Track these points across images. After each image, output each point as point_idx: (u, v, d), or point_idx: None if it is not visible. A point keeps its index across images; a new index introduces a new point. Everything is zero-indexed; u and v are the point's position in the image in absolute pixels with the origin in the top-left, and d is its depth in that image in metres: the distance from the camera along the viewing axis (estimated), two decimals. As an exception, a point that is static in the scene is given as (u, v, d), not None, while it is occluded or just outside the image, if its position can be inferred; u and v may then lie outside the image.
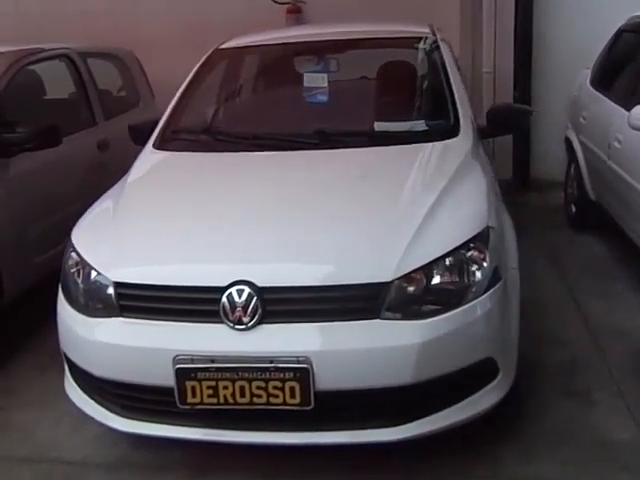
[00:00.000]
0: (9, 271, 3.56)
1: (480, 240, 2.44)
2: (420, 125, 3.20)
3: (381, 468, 2.61)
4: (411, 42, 3.71)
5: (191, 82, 3.65)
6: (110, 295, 2.41)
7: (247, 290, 2.26)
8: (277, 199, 2.68)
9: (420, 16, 5.88)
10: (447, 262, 2.36)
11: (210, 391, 2.27)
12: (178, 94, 3.58)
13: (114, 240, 2.56)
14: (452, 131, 3.12)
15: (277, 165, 3.00)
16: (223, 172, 3.00)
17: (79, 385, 2.64)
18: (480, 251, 2.43)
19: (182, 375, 2.27)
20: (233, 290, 2.26)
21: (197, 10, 6.43)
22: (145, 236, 2.57)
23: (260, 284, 2.27)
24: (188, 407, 2.31)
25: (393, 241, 2.37)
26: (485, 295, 2.38)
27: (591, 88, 4.93)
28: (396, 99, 3.49)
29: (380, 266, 2.29)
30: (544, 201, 5.91)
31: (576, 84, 5.28)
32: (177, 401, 2.30)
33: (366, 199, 2.66)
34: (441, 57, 3.49)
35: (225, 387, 2.26)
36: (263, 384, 2.24)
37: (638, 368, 3.25)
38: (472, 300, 2.35)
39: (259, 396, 2.25)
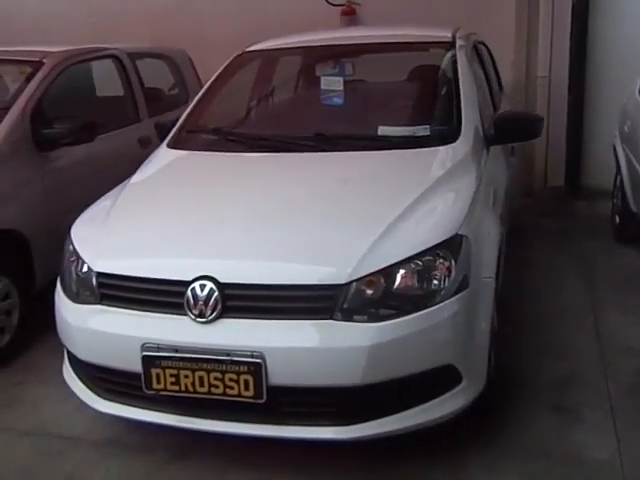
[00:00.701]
0: (41, 260, 3.82)
1: (447, 247, 2.46)
2: (422, 130, 3.21)
3: (344, 468, 2.67)
4: (426, 47, 3.72)
5: (212, 84, 3.80)
6: (93, 284, 2.59)
7: (209, 285, 2.37)
8: (258, 199, 2.78)
9: (475, 20, 5.89)
10: (408, 267, 2.39)
11: (173, 379, 2.40)
12: (198, 95, 3.74)
13: (103, 234, 2.74)
14: (452, 137, 3.11)
15: (271, 166, 3.10)
16: (220, 172, 3.13)
17: (71, 367, 2.83)
18: (445, 258, 2.44)
19: (148, 362, 2.42)
20: (197, 284, 2.39)
21: (256, 11, 6.59)
22: (129, 231, 2.74)
23: (222, 280, 2.38)
24: (153, 392, 2.45)
25: (355, 243, 2.43)
26: (445, 302, 2.40)
27: (638, 97, 4.75)
28: (403, 104, 3.51)
29: (336, 268, 2.36)
30: (592, 210, 5.75)
31: (627, 91, 5.10)
32: (143, 386, 2.44)
33: (342, 202, 2.72)
34: (454, 62, 3.48)
35: (186, 376, 2.39)
36: (220, 375, 2.35)
37: (638, 386, 3.15)
38: (431, 307, 2.38)
39: (216, 387, 2.36)
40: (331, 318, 2.32)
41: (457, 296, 2.43)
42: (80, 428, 3.04)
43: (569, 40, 5.91)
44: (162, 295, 2.46)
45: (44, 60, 4.24)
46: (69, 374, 2.83)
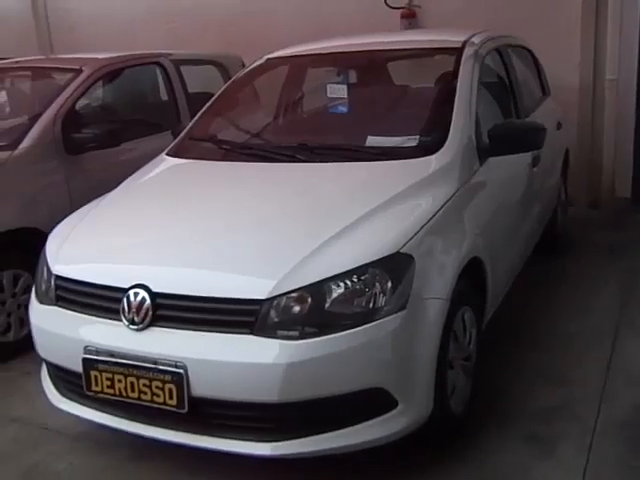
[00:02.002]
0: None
1: (383, 266, 2.37)
2: (410, 141, 3.12)
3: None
4: (433, 53, 3.59)
5: (224, 90, 3.86)
6: (52, 286, 2.72)
7: (142, 293, 2.43)
8: (213, 210, 2.81)
9: (538, 21, 5.66)
10: (337, 284, 2.33)
11: (108, 382, 2.47)
12: (209, 102, 3.81)
13: (67, 239, 2.86)
14: (434, 149, 3.00)
15: (244, 177, 3.09)
16: (196, 182, 3.16)
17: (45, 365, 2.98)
18: (380, 277, 2.36)
19: (88, 364, 2.50)
20: (132, 292, 2.44)
21: (317, 14, 6.62)
22: (89, 237, 2.85)
23: (154, 289, 2.42)
24: (92, 394, 2.53)
25: (284, 259, 2.39)
26: (375, 323, 2.31)
27: None
28: (398, 113, 3.42)
29: (259, 283, 2.34)
30: (655, 224, 5.35)
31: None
32: (84, 387, 2.53)
33: (289, 216, 2.68)
34: (456, 71, 3.33)
35: (119, 380, 2.45)
36: (148, 382, 2.39)
37: (629, 423, 2.90)
38: (357, 327, 2.30)
39: (145, 393, 2.41)
40: (251, 333, 2.30)
41: (389, 317, 2.34)
42: (62, 421, 3.16)
43: (638, 40, 5.51)
44: (104, 300, 2.54)
45: (83, 68, 4.47)
46: (43, 372, 2.98)
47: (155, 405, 2.41)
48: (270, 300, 2.30)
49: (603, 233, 5.37)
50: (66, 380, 2.72)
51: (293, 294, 2.31)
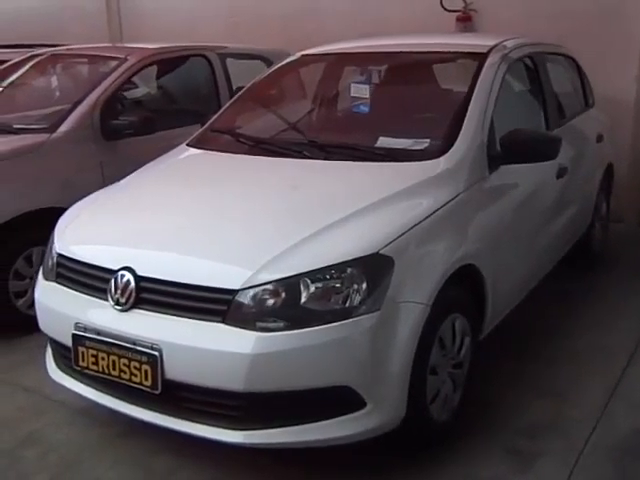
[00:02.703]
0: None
1: (360, 265, 2.38)
2: (420, 144, 3.10)
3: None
4: (455, 57, 3.56)
5: (255, 84, 3.93)
6: (54, 263, 2.85)
7: (128, 276, 2.52)
8: (208, 200, 2.87)
9: (597, 34, 5.51)
10: (310, 280, 2.35)
11: (93, 359, 2.58)
12: (234, 97, 3.88)
13: (74, 219, 2.99)
14: (440, 153, 2.98)
15: (249, 170, 3.14)
16: (208, 171, 3.24)
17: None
18: (356, 276, 2.37)
19: (76, 340, 2.61)
20: (119, 274, 2.54)
21: (374, 14, 6.63)
22: (93, 218, 2.97)
23: (139, 272, 2.51)
24: (79, 369, 2.65)
25: (263, 251, 2.43)
26: (345, 322, 2.33)
27: None
28: (412, 115, 3.40)
29: (234, 273, 2.39)
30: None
31: None
32: (73, 362, 2.65)
33: (280, 210, 2.72)
34: (476, 76, 3.29)
35: (102, 358, 2.55)
36: (127, 362, 2.48)
37: (621, 447, 2.81)
38: (329, 323, 2.32)
39: (124, 372, 2.50)
40: (223, 322, 2.35)
41: (362, 317, 2.35)
42: (66, 394, 3.26)
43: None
44: (95, 280, 2.64)
45: (128, 57, 4.64)
46: (48, 345, 3.12)
47: (132, 384, 2.50)
48: (243, 290, 2.35)
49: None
50: (60, 354, 2.85)
51: (267, 286, 2.35)
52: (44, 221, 3.92)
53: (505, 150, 3.10)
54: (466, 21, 6.25)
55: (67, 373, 2.84)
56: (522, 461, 2.74)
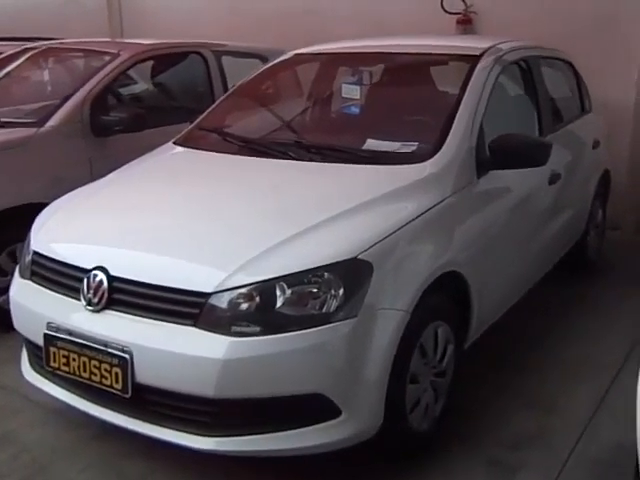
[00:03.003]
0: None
1: (336, 270, 2.32)
2: (407, 147, 3.04)
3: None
4: (448, 60, 3.50)
5: (240, 85, 3.87)
6: (29, 261, 2.79)
7: (101, 276, 2.46)
8: (191, 200, 2.81)
9: (599, 37, 5.44)
10: (284, 285, 2.29)
11: (64, 360, 2.53)
12: (224, 95, 3.82)
13: (51, 217, 2.94)
14: (427, 156, 2.92)
15: (232, 170, 3.08)
16: (188, 170, 3.18)
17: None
18: (334, 281, 2.31)
19: (47, 340, 2.56)
20: (92, 273, 2.48)
21: (375, 16, 6.56)
22: (70, 216, 2.91)
23: (112, 272, 2.46)
24: (51, 370, 2.59)
25: (238, 254, 2.37)
26: (319, 328, 2.27)
27: None
28: (401, 118, 3.34)
29: (208, 276, 2.33)
30: None
31: None
32: (44, 363, 2.60)
33: (259, 212, 2.66)
34: (467, 79, 3.23)
35: (74, 359, 2.50)
36: (98, 364, 2.43)
37: (605, 461, 2.75)
38: (303, 329, 2.26)
39: (95, 374, 2.45)
40: (194, 325, 2.30)
41: (337, 324, 2.29)
42: (43, 394, 3.25)
43: None
44: (68, 279, 2.59)
45: (120, 52, 4.58)
46: (24, 345, 3.07)
47: (103, 387, 2.44)
48: (216, 294, 2.29)
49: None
50: (34, 354, 2.79)
51: (241, 290, 2.29)
52: (30, 217, 3.91)
53: (494, 155, 3.03)
54: (466, 23, 6.17)
55: (40, 374, 2.79)
56: (503, 473, 2.68)
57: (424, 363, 2.66)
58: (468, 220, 2.92)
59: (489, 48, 3.51)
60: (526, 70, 3.79)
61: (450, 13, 6.20)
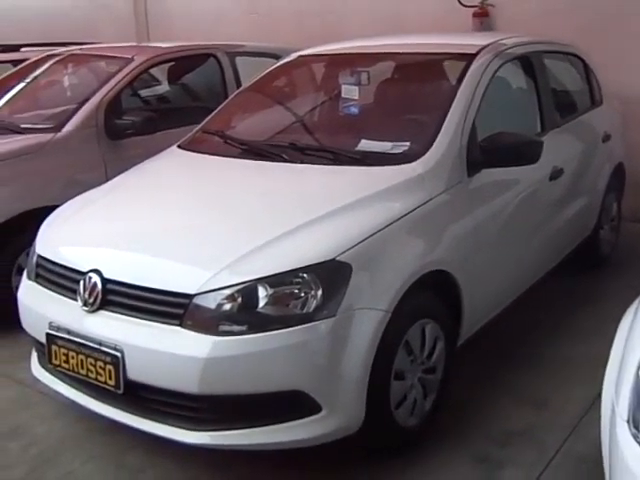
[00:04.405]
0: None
1: (315, 271, 2.40)
2: (399, 147, 3.09)
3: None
4: (443, 58, 3.53)
5: (247, 87, 3.97)
6: (35, 263, 2.95)
7: (95, 278, 2.59)
8: (187, 203, 2.93)
9: (617, 30, 5.38)
10: (265, 285, 2.38)
11: (64, 357, 2.67)
12: (229, 98, 3.92)
13: (56, 220, 3.09)
14: (413, 158, 2.97)
15: (229, 172, 3.18)
16: (188, 174, 3.29)
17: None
18: (311, 282, 2.39)
19: (50, 339, 2.71)
20: (88, 275, 2.62)
21: (391, 11, 6.59)
22: (73, 220, 3.05)
23: (106, 275, 2.58)
24: (53, 367, 2.74)
25: (221, 256, 2.47)
26: (298, 328, 2.35)
27: None
28: (395, 118, 3.39)
29: (192, 278, 2.43)
30: None
31: None
32: (47, 360, 2.74)
33: (245, 214, 2.75)
34: (461, 77, 3.26)
35: (72, 357, 2.64)
36: (94, 362, 2.56)
37: (592, 459, 2.76)
38: (284, 329, 2.35)
39: (91, 371, 2.58)
40: (180, 325, 2.41)
41: (316, 323, 2.37)
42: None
43: None
44: (68, 281, 2.73)
45: (134, 57, 4.72)
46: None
47: (98, 383, 2.57)
48: (200, 295, 2.39)
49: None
50: (40, 351, 2.94)
51: (225, 291, 2.39)
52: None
53: (485, 153, 3.06)
54: (483, 16, 6.16)
55: (46, 370, 2.93)
56: (488, 469, 2.73)
57: (411, 360, 2.72)
58: (458, 219, 2.96)
59: (488, 45, 3.53)
60: (528, 66, 3.79)
61: (467, 6, 6.19)
